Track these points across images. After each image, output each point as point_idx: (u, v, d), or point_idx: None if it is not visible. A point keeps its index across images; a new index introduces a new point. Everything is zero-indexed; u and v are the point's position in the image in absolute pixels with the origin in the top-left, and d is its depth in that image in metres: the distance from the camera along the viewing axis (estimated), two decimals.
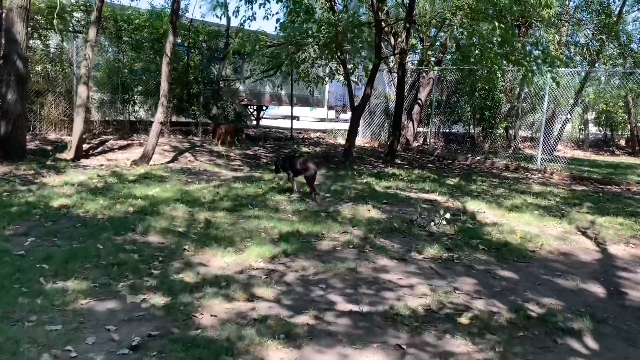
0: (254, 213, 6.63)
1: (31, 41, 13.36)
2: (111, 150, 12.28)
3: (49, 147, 11.52)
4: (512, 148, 17.88)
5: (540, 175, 13.27)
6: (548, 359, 3.38)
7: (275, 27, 11.55)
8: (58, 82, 13.26)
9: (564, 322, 3.91)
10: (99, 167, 10.19)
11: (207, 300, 3.83)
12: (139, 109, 15.25)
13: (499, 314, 4.01)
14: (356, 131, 13.46)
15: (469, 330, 3.66)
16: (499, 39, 10.30)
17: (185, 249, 5.03)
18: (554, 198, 9.54)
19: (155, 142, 10.91)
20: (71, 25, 13.58)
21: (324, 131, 20.95)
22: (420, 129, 19.80)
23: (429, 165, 14.06)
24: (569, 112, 17.78)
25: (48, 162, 9.94)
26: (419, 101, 18.14)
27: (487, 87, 16.53)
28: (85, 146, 11.96)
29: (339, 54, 12.70)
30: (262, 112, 22.22)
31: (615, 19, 17.75)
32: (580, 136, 24.62)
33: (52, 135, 12.80)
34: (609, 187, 11.87)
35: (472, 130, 19.44)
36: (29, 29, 11.17)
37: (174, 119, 15.75)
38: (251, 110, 21.77)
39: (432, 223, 6.58)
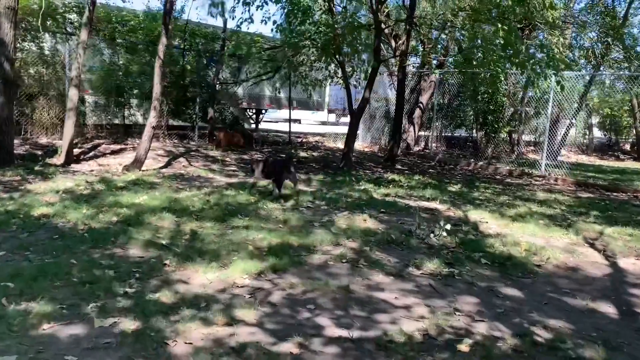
0: (244, 223, 6.29)
1: (25, 43, 13.13)
2: (103, 154, 11.97)
3: (39, 152, 11.22)
4: (516, 153, 17.53)
5: (544, 181, 12.92)
6: None
7: (272, 29, 11.26)
8: (50, 85, 12.97)
9: (574, 349, 3.57)
10: (90, 172, 9.88)
11: (183, 324, 3.50)
12: (135, 112, 14.97)
13: (502, 339, 3.66)
14: (355, 135, 13.14)
15: None
16: (502, 41, 9.96)
17: (166, 264, 4.69)
18: (559, 206, 9.19)
19: (147, 146, 10.60)
20: (64, 26, 13.29)
21: (323, 135, 20.65)
22: (422, 133, 19.48)
23: (430, 170, 13.71)
24: (574, 117, 17.41)
25: (36, 168, 9.63)
26: (420, 105, 17.81)
27: (490, 91, 16.19)
28: (76, 151, 11.67)
29: (337, 56, 12.38)
30: (261, 116, 21.93)
31: (620, 21, 17.38)
32: (585, 141, 24.25)
33: (43, 140, 12.49)
34: (615, 194, 11.52)
35: (474, 135, 19.09)
36: (19, 30, 10.90)
37: (170, 122, 15.46)
38: (250, 113, 21.48)
39: (432, 234, 6.24)
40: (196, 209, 6.88)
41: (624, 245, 6.62)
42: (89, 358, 3.05)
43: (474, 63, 12.12)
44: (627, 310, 4.46)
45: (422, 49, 16.32)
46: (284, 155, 12.66)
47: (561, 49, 14.36)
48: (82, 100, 13.98)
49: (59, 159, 10.62)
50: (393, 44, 16.48)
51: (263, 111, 21.94)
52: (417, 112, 17.84)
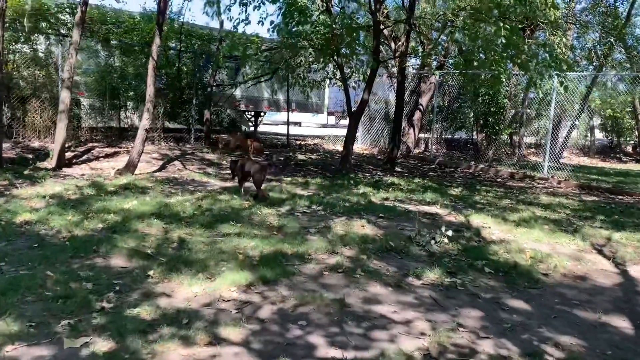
0: (236, 230, 5.99)
1: (19, 45, 12.87)
2: (97, 158, 11.70)
3: (31, 156, 10.94)
4: (517, 155, 17.24)
5: (547, 184, 12.62)
6: None
7: (269, 29, 10.99)
8: (44, 87, 12.71)
9: None
10: (81, 176, 9.60)
11: (161, 344, 3.20)
12: (131, 114, 14.70)
13: (510, 359, 3.37)
14: (354, 138, 12.86)
15: None
16: (504, 41, 9.68)
17: (149, 276, 4.40)
18: (564, 210, 8.89)
19: (140, 149, 10.31)
20: (56, 28, 13.04)
21: (322, 137, 20.37)
22: (422, 136, 19.20)
23: (431, 173, 13.43)
24: (576, 118, 17.14)
25: (26, 172, 9.36)
26: (420, 107, 17.54)
27: (490, 92, 15.92)
28: (69, 154, 11.41)
29: (335, 57, 12.11)
30: (260, 118, 21.64)
31: (623, 21, 17.11)
32: (586, 142, 23.96)
33: (36, 143, 12.21)
34: (620, 197, 11.22)
35: (475, 137, 18.81)
36: (9, 31, 10.65)
37: (166, 125, 15.18)
38: (249, 116, 21.20)
39: (433, 241, 5.95)
40: (187, 215, 6.59)
41: (633, 252, 6.33)
42: None
43: (475, 64, 11.84)
44: None
45: (421, 50, 16.04)
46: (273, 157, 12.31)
47: (564, 49, 14.08)
48: (77, 103, 13.76)
49: (50, 163, 10.36)
50: (393, 45, 16.21)
51: (262, 113, 21.65)
52: (417, 114, 17.57)
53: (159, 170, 10.94)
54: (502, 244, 6.25)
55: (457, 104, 18.60)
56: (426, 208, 8.23)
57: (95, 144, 12.88)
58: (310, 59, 13.58)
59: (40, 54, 13.20)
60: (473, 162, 15.36)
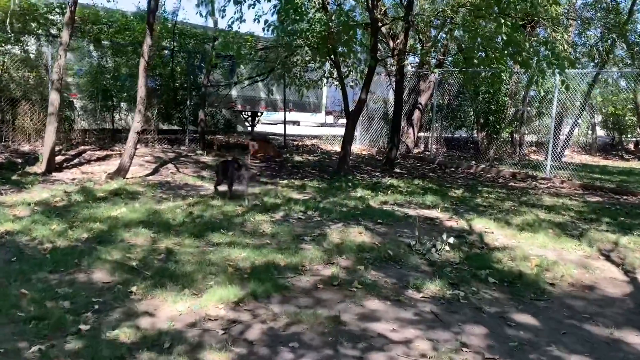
0: (227, 239, 5.72)
1: (8, 46, 12.60)
2: (88, 162, 11.42)
3: (20, 160, 10.67)
4: (518, 154, 16.97)
5: (549, 184, 12.35)
6: None
7: (263, 28, 10.69)
8: (34, 89, 12.43)
9: None
10: (71, 181, 9.33)
11: None
12: (124, 116, 14.42)
13: None
14: (352, 138, 12.58)
15: None
16: (504, 38, 9.40)
17: (132, 292, 4.13)
18: (568, 212, 8.61)
19: (132, 153, 10.05)
20: (46, 28, 12.77)
21: (320, 137, 20.10)
22: (422, 135, 18.93)
23: (430, 174, 13.15)
24: (578, 116, 16.87)
25: (13, 177, 9.10)
26: (420, 106, 17.25)
27: (491, 90, 15.64)
28: (60, 158, 11.13)
29: (332, 56, 11.83)
30: (257, 118, 21.39)
31: (625, 17, 16.84)
32: (588, 140, 23.68)
33: (26, 147, 11.94)
34: (625, 197, 10.96)
35: (475, 136, 18.53)
36: None
37: (160, 126, 14.92)
38: (245, 116, 20.94)
39: (434, 249, 5.68)
40: (176, 223, 6.32)
41: None
42: None
43: (475, 61, 11.56)
44: None
45: (420, 48, 15.75)
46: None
47: (565, 46, 13.81)
48: (70, 105, 13.49)
49: (40, 167, 10.08)
50: (391, 43, 15.92)
51: (259, 114, 21.39)
52: (417, 113, 17.28)
53: (152, 173, 10.67)
54: (506, 250, 5.99)
55: (457, 102, 18.31)
56: (426, 212, 7.95)
57: (87, 147, 12.60)
58: (307, 58, 13.30)
59: (31, 55, 12.92)
60: (474, 162, 15.09)
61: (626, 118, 23.17)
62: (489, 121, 16.42)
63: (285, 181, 10.35)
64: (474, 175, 13.52)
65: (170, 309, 3.86)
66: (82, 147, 12.50)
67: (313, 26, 10.30)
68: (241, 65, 14.52)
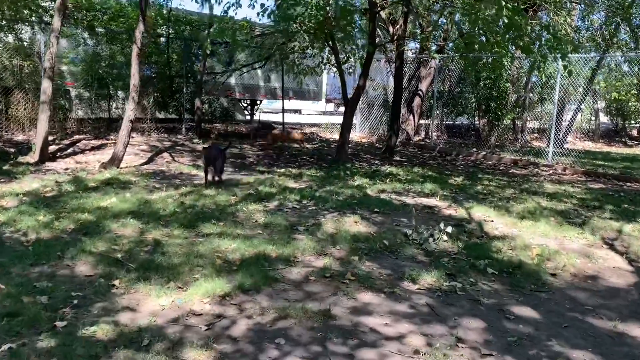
0: (218, 229, 5.55)
1: (1, 34, 12.38)
2: (83, 151, 11.24)
3: (13, 150, 10.49)
4: (520, 141, 16.73)
5: (551, 171, 12.14)
6: None
7: (259, 13, 10.44)
8: (28, 78, 12.22)
9: None
10: (64, 171, 9.15)
11: None
12: (121, 105, 14.22)
13: None
14: (350, 126, 12.35)
15: None
16: (506, 21, 9.13)
17: (114, 286, 3.96)
18: (571, 200, 8.41)
19: (126, 142, 9.86)
20: (37, 15, 12.53)
21: (319, 125, 19.87)
22: (422, 122, 18.68)
23: (431, 161, 12.95)
24: (581, 102, 16.59)
25: (5, 167, 8.93)
26: (420, 92, 16.99)
27: (492, 76, 15.38)
28: (54, 147, 10.96)
29: (329, 42, 11.58)
30: (256, 107, 21.16)
31: (629, 1, 16.49)
32: (590, 126, 23.39)
33: (20, 137, 11.76)
34: (628, 184, 10.74)
35: (477, 123, 18.28)
36: None
37: (158, 115, 14.72)
38: (244, 104, 20.72)
39: (431, 239, 5.50)
40: (167, 213, 6.14)
41: None
42: None
43: (476, 47, 11.29)
44: None
45: (420, 33, 15.46)
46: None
47: (568, 30, 13.52)
48: (66, 93, 13.29)
49: (33, 157, 9.91)
50: (390, 29, 15.63)
51: (258, 102, 21.16)
52: (417, 100, 17.02)
53: (147, 163, 10.50)
54: (506, 239, 5.81)
55: (458, 89, 18.05)
56: (425, 200, 7.77)
57: (82, 136, 12.41)
58: (305, 44, 13.04)
59: (25, 44, 12.70)
60: (475, 149, 14.87)
61: (630, 104, 22.85)
62: (491, 108, 16.16)
63: (282, 170, 10.16)
64: (475, 162, 13.31)
65: (152, 304, 3.69)
66: (76, 137, 12.30)
67: (310, 10, 10.03)
68: (239, 53, 14.25)
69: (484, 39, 11.19)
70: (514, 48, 10.65)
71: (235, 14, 15.52)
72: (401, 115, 15.47)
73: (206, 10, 14.60)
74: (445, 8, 12.22)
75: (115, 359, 2.91)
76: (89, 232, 5.26)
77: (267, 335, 3.33)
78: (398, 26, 14.03)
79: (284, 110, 17.53)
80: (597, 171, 11.96)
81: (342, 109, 31.04)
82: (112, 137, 12.68)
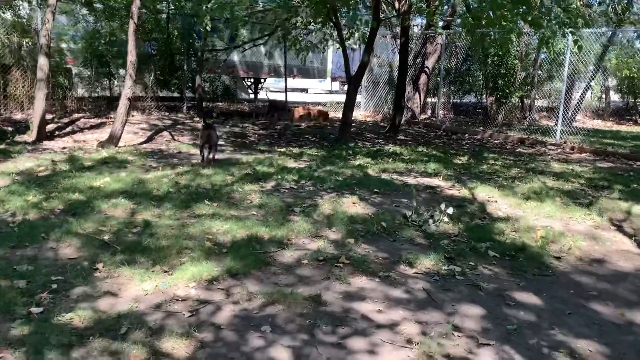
0: (211, 210, 5.37)
1: None
2: (82, 130, 11.08)
3: (11, 129, 10.35)
4: (528, 119, 16.39)
5: (559, 150, 11.85)
6: None
7: None
8: (28, 55, 12.01)
9: None
10: (61, 150, 9.02)
11: None
12: (123, 83, 14.00)
13: None
14: (353, 104, 12.06)
15: None
16: None
17: (97, 269, 3.81)
18: (578, 180, 8.16)
19: (123, 120, 9.69)
20: None
21: (324, 104, 19.58)
22: (428, 100, 18.34)
23: (436, 140, 12.69)
24: (591, 79, 16.17)
25: (1, 147, 8.79)
26: (426, 69, 16.61)
27: (500, 53, 14.99)
28: (52, 126, 10.82)
29: (332, 17, 11.26)
30: (260, 85, 20.88)
31: None
32: (601, 104, 22.92)
33: (18, 115, 11.60)
34: (638, 163, 10.44)
35: (484, 101, 17.91)
36: None
37: (161, 94, 14.51)
38: (248, 83, 20.45)
39: (431, 220, 5.30)
40: (160, 194, 5.98)
41: None
42: None
43: (483, 22, 10.95)
44: None
45: (426, 8, 15.07)
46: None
47: (578, 3, 13.10)
48: (67, 71, 13.08)
49: (30, 136, 9.76)
50: (396, 4, 15.25)
51: (262, 80, 20.88)
52: (423, 77, 16.66)
53: (146, 141, 10.34)
54: (509, 221, 5.60)
55: (465, 66, 17.65)
56: (427, 180, 7.55)
57: (82, 115, 12.24)
58: (308, 19, 12.72)
59: (24, 20, 12.47)
60: (482, 128, 14.57)
61: None
62: (498, 85, 15.80)
63: (283, 149, 9.97)
64: (481, 141, 13.04)
65: (136, 289, 3.53)
66: (76, 115, 12.14)
67: None
68: (239, 29, 13.95)
69: (491, 13, 10.85)
70: (522, 23, 10.31)
71: None
72: (407, 93, 15.17)
73: None
74: None
75: (89, 349, 2.75)
76: (78, 213, 5.10)
77: (253, 323, 3.17)
78: (403, 1, 13.66)
79: (286, 89, 17.24)
80: (606, 150, 11.66)
81: (347, 87, 30.67)
82: (112, 116, 12.48)
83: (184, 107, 14.05)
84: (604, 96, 23.00)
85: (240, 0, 10.52)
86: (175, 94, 15.35)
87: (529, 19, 9.49)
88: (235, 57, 16.92)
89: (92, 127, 11.30)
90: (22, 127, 10.43)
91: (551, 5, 10.25)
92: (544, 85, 17.47)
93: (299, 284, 3.76)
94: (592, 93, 19.99)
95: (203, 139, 8.21)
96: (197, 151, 9.34)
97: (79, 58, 13.04)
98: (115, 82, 13.84)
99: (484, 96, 17.58)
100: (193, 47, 14.22)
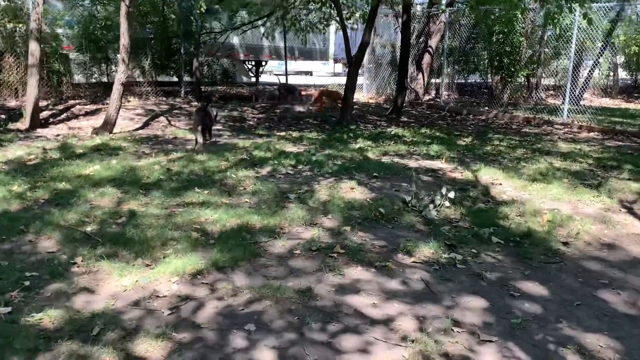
0: (201, 198, 5.15)
1: None
2: (77, 117, 10.85)
3: (4, 116, 10.14)
4: (534, 99, 16.02)
5: (567, 129, 11.53)
6: None
7: None
8: (21, 40, 11.74)
9: None
10: (55, 137, 8.82)
11: None
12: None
13: None
14: (354, 86, 11.74)
15: None
16: None
17: (75, 264, 3.60)
18: (586, 160, 7.87)
19: (117, 105, 9.45)
20: None
21: (327, 87, 19.24)
22: (432, 81, 17.96)
23: (440, 122, 12.38)
24: (599, 56, 15.75)
25: None
26: (430, 49, 16.21)
27: (505, 30, 14.57)
28: (46, 113, 10.60)
29: None
30: (261, 68, 20.54)
31: None
32: (609, 82, 22.45)
33: (12, 102, 11.37)
34: None
35: (489, 80, 17.51)
36: None
37: (159, 78, 14.25)
38: (249, 66, 20.11)
39: (432, 205, 5.05)
40: (150, 181, 5.75)
41: None
42: None
43: None
44: None
45: None
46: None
47: None
48: (64, 57, 12.82)
49: (23, 123, 9.56)
50: None
51: (263, 63, 20.53)
52: (426, 57, 16.27)
53: (142, 127, 10.11)
54: (514, 204, 5.34)
55: (469, 45, 17.22)
56: (429, 163, 7.29)
57: (77, 101, 12.00)
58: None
59: (18, 4, 12.19)
60: (486, 108, 14.24)
61: None
62: (503, 64, 15.40)
63: (282, 133, 9.71)
64: (486, 121, 12.72)
65: (114, 284, 3.32)
66: (71, 102, 11.90)
67: None
68: (235, 9, 13.60)
69: None
70: None
71: None
72: (410, 73, 14.82)
73: None
74: None
75: (56, 354, 2.54)
76: (62, 203, 4.89)
77: (237, 321, 2.95)
78: None
79: (287, 72, 16.92)
80: (614, 128, 11.33)
81: None
82: (108, 102, 12.25)
83: (182, 92, 13.79)
84: (612, 73, 22.51)
85: None
86: (174, 79, 15.10)
87: None
88: (235, 39, 16.59)
89: (87, 114, 11.07)
90: (16, 114, 10.21)
91: None
92: (550, 63, 17.03)
93: (289, 276, 3.53)
94: (599, 70, 19.53)
95: (197, 121, 7.96)
96: (194, 136, 9.13)
97: (75, 43, 12.77)
98: (113, 68, 13.60)
99: (489, 75, 17.17)
100: (190, 30, 13.89)
